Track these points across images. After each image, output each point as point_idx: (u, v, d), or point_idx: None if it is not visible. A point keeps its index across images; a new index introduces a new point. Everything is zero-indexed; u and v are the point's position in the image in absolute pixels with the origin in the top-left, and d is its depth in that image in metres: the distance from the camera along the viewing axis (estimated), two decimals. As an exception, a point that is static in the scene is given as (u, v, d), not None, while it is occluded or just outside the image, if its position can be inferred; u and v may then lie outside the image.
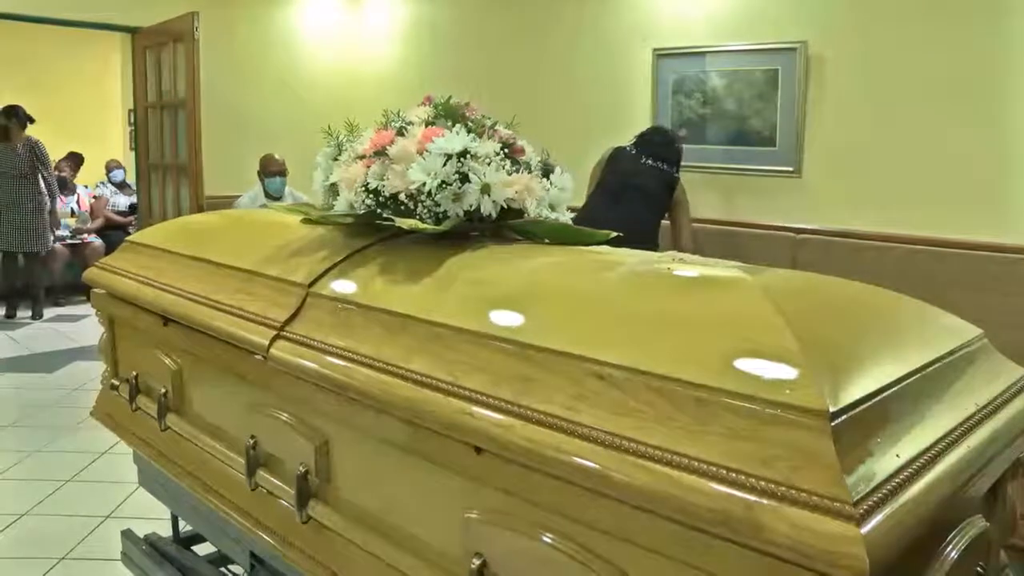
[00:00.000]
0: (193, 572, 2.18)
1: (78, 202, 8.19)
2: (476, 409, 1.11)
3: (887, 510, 0.82)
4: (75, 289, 7.64)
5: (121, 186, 8.70)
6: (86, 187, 8.46)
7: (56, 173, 8.03)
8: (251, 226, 2.06)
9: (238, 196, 5.48)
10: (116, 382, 2.19)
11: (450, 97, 1.65)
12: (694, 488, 0.87)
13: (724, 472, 0.87)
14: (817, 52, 4.18)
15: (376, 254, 1.57)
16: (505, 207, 1.52)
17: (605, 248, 1.58)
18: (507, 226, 1.60)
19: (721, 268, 1.25)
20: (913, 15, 3.85)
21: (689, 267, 1.26)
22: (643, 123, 4.84)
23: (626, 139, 4.40)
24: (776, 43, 4.30)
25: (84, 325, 6.84)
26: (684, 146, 4.34)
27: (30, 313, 7.17)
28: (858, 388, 0.93)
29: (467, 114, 1.62)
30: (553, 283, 1.29)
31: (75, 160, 8.25)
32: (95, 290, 2.18)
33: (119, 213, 8.50)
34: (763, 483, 0.84)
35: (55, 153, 8.35)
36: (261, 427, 1.61)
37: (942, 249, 3.73)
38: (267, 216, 2.17)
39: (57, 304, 7.65)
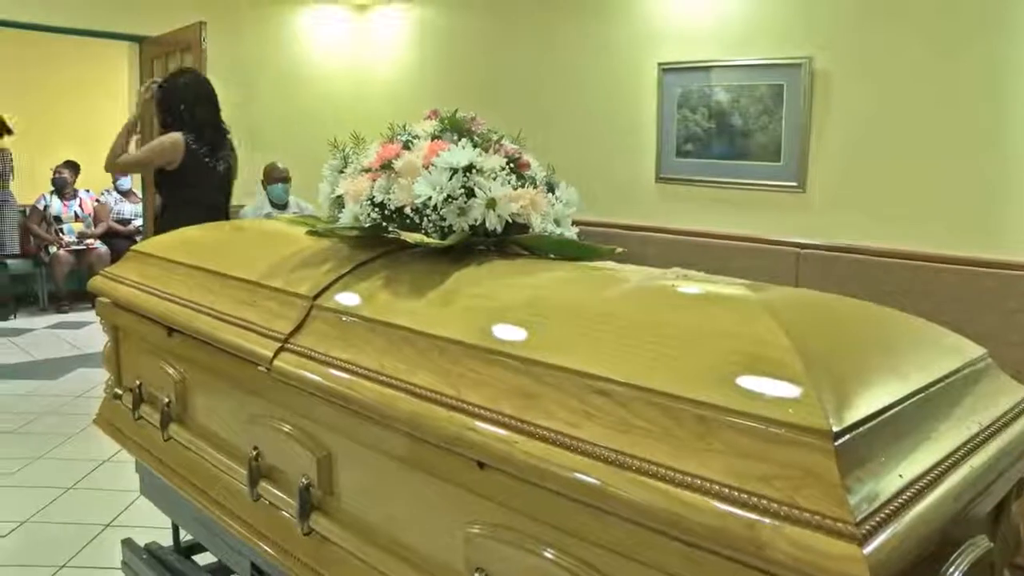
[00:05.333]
0: (193, 582, 2.18)
1: (80, 205, 8.22)
2: (479, 424, 1.11)
3: (890, 530, 0.82)
4: (80, 296, 7.66)
5: (127, 194, 8.73)
6: (87, 191, 8.49)
7: (57, 175, 8.09)
8: (256, 237, 2.07)
9: (243, 206, 5.49)
10: (119, 391, 2.20)
11: (456, 111, 1.65)
12: (695, 506, 0.87)
13: (726, 490, 0.87)
14: (822, 68, 4.19)
15: (381, 267, 1.57)
16: (510, 221, 1.53)
17: (610, 264, 1.58)
18: (512, 241, 1.60)
19: (725, 285, 1.25)
20: (918, 32, 3.86)
21: (693, 284, 1.26)
22: (649, 137, 4.85)
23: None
24: (781, 59, 4.31)
25: (88, 332, 6.85)
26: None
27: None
28: (861, 407, 0.93)
29: (473, 128, 1.63)
30: (557, 298, 1.29)
31: (73, 167, 8.30)
32: (100, 299, 2.19)
33: (123, 221, 8.53)
34: (765, 502, 0.84)
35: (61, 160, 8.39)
36: (264, 438, 1.61)
37: (946, 266, 3.72)
38: (272, 227, 2.18)
39: (61, 311, 7.67)
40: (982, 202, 3.71)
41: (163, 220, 4.05)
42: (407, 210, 1.51)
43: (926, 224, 3.86)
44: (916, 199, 3.90)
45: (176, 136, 3.98)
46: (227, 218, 4.18)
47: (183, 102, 4.03)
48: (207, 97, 4.10)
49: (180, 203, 4.03)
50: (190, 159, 3.98)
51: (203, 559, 2.31)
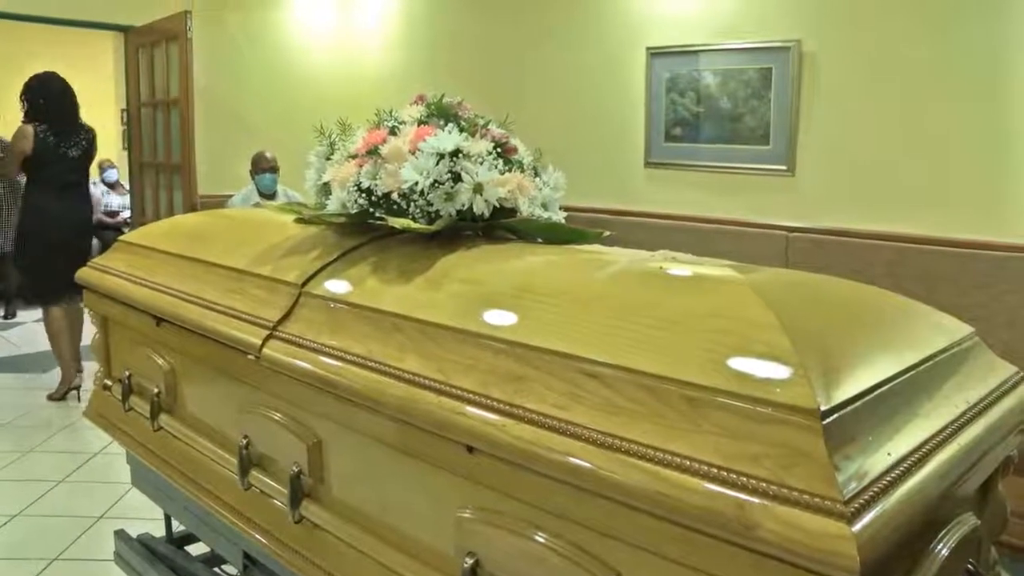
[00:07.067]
0: (186, 572, 2.18)
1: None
2: (468, 408, 1.11)
3: (878, 508, 0.82)
4: (68, 288, 7.62)
5: (114, 186, 8.69)
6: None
7: None
8: (244, 225, 2.06)
9: (231, 195, 5.48)
10: (109, 382, 2.19)
11: (443, 96, 1.65)
12: (685, 487, 0.87)
13: (715, 471, 0.87)
14: (810, 51, 4.18)
15: (369, 253, 1.57)
16: (497, 206, 1.52)
17: (597, 247, 1.58)
18: (499, 225, 1.60)
19: (713, 267, 1.25)
20: (906, 13, 3.85)
21: (681, 266, 1.26)
22: (637, 122, 4.84)
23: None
24: (769, 42, 4.30)
25: (77, 325, 6.81)
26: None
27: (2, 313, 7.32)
28: (849, 386, 0.93)
29: (460, 113, 1.62)
30: (545, 282, 1.29)
31: None
32: (88, 290, 2.18)
33: (111, 213, 8.50)
34: (754, 481, 0.84)
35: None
36: (254, 427, 1.61)
37: (934, 247, 3.73)
38: (260, 215, 2.17)
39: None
40: (973, 184, 3.71)
41: (25, 194, 5.13)
42: (394, 196, 1.50)
43: (915, 206, 3.86)
44: (905, 181, 3.90)
45: (25, 128, 4.88)
46: (87, 193, 5.21)
47: (40, 98, 4.97)
48: (59, 95, 5.02)
49: (37, 181, 4.93)
50: (40, 146, 4.85)
51: (196, 549, 2.31)
